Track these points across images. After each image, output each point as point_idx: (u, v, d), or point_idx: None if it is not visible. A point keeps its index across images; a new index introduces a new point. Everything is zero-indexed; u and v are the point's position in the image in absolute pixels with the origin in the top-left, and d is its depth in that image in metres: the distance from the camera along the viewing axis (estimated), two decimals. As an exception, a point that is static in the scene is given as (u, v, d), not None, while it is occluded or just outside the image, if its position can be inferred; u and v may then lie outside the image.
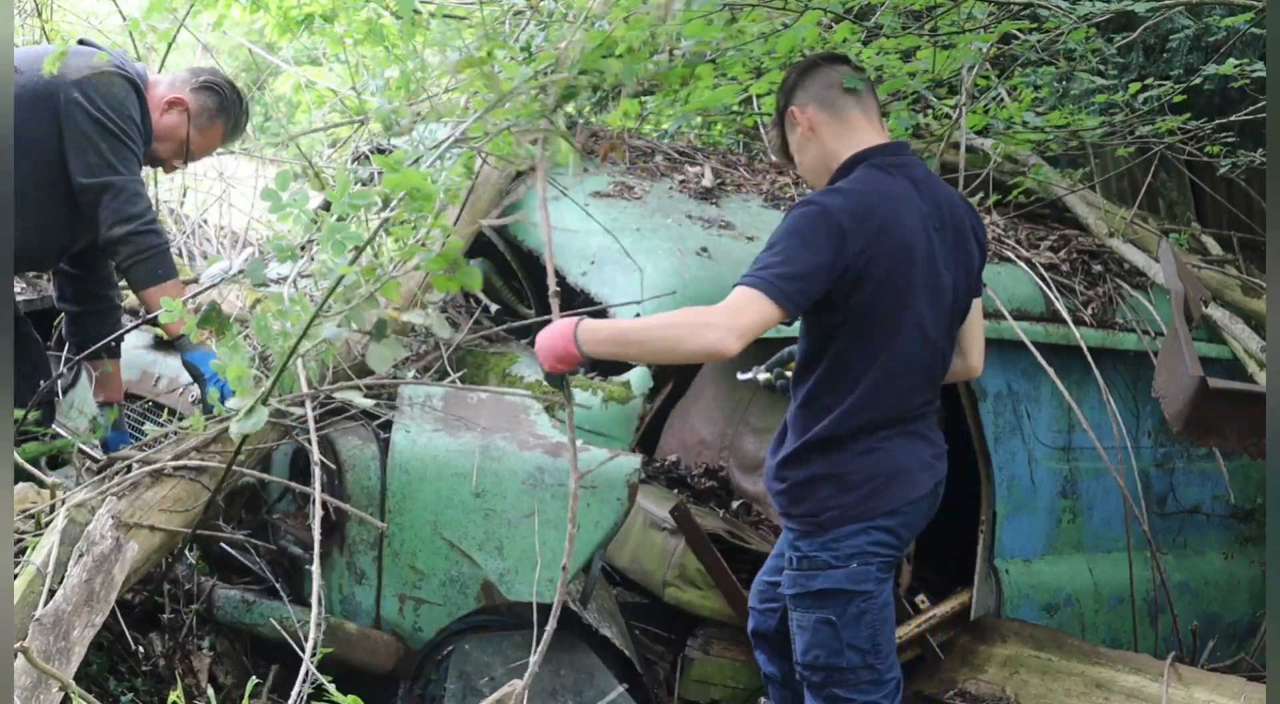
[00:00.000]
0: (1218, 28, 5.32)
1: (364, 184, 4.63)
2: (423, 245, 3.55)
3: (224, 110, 4.34)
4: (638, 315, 4.04)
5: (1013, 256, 5.15)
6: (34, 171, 4.03)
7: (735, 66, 4.33)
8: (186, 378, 4.39)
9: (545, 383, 3.47)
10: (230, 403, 3.55)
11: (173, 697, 3.25)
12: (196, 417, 3.74)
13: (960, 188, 5.29)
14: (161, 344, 4.85)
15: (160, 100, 4.27)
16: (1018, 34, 4.67)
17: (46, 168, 4.07)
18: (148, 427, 4.08)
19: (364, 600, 3.79)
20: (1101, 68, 5.33)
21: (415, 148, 4.34)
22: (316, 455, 3.52)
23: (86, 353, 4.34)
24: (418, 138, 5.00)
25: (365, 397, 3.80)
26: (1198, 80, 5.01)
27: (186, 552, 3.88)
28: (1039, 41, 4.50)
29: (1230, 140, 5.29)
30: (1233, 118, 5.22)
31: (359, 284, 3.65)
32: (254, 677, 3.50)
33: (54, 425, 4.37)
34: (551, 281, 3.38)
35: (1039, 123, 4.94)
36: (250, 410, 3.48)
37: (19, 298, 4.86)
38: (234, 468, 3.65)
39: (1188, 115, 5.27)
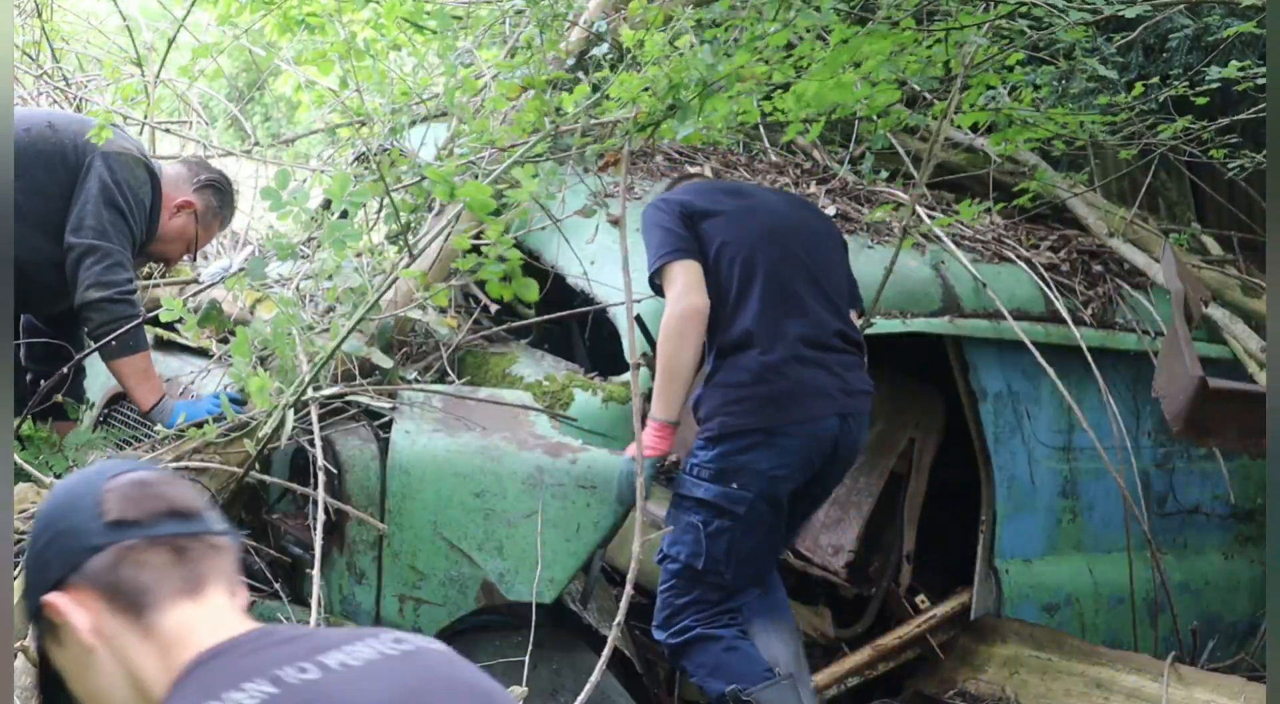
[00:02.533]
0: (1217, 27, 5.32)
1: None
2: (478, 253, 3.64)
3: (225, 205, 4.48)
4: (637, 316, 4.06)
5: (1013, 256, 5.15)
6: (34, 232, 4.05)
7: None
8: (186, 378, 4.40)
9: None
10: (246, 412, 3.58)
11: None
12: (210, 427, 3.72)
13: (953, 184, 5.29)
14: (161, 344, 4.85)
15: (170, 201, 4.35)
16: (1012, 32, 4.67)
17: (49, 230, 4.08)
18: (159, 428, 4.08)
19: (364, 601, 3.78)
20: (1103, 63, 5.32)
21: (447, 154, 4.44)
22: (320, 459, 3.52)
23: (87, 353, 4.34)
24: (419, 139, 5.00)
25: (373, 397, 3.82)
26: (1214, 85, 4.99)
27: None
28: (1035, 39, 4.49)
29: (1233, 142, 5.28)
30: (1234, 118, 5.21)
31: (365, 289, 3.67)
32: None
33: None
34: (632, 350, 3.89)
35: (1039, 118, 4.93)
36: (280, 422, 3.52)
37: None
38: (234, 468, 3.65)
39: (1190, 117, 5.26)
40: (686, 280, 3.88)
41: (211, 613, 1.63)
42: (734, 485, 3.86)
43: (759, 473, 3.85)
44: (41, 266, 4.07)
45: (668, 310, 3.86)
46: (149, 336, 4.84)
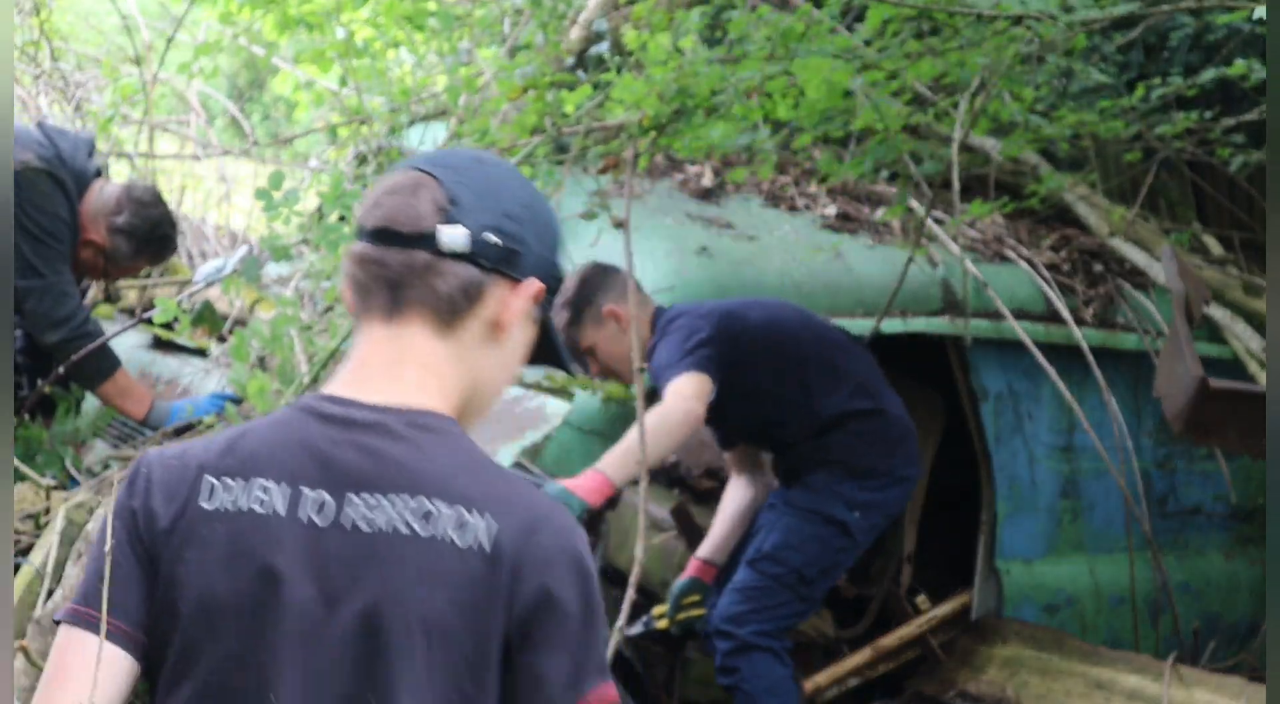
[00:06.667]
0: (1218, 26, 5.31)
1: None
2: None
3: (140, 253, 4.25)
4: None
5: (1013, 256, 5.14)
6: None
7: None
8: (186, 378, 4.39)
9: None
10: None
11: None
12: (213, 419, 3.72)
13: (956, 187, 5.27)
14: (160, 344, 4.84)
15: (84, 227, 4.15)
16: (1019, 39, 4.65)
17: None
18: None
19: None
20: (1104, 62, 5.31)
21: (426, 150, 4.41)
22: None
23: (87, 351, 4.32)
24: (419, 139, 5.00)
25: None
26: (1210, 74, 4.98)
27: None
28: (1036, 51, 4.49)
29: (1238, 141, 5.27)
30: (1237, 120, 5.20)
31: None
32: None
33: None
34: (636, 365, 3.87)
35: (1043, 123, 4.92)
36: None
37: None
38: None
39: (1190, 115, 5.25)
40: (702, 390, 3.89)
41: None
42: (857, 514, 4.14)
43: (882, 510, 4.18)
44: None
45: (681, 405, 3.81)
46: (147, 336, 4.84)
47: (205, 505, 1.57)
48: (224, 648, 1.54)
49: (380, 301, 1.62)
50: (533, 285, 1.65)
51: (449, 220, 1.60)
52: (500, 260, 1.62)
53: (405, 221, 1.60)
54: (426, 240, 1.60)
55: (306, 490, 1.55)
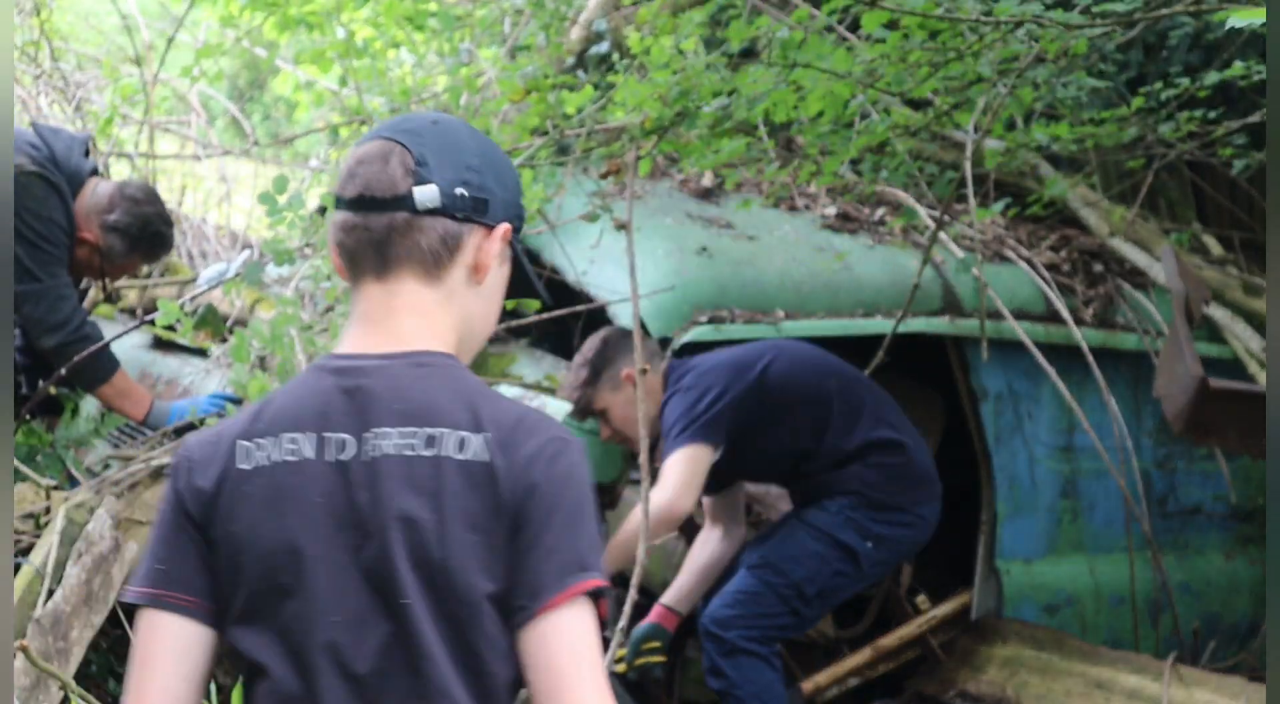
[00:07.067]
0: (1217, 25, 5.30)
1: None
2: None
3: (134, 250, 4.20)
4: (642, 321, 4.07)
5: (1013, 256, 5.14)
6: None
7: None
8: (186, 378, 4.39)
9: None
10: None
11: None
12: (212, 420, 3.73)
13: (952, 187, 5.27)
14: (160, 344, 4.85)
15: (80, 226, 4.13)
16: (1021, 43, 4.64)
17: None
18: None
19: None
20: (1103, 61, 5.30)
21: None
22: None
23: (85, 355, 4.32)
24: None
25: None
26: (1213, 79, 4.96)
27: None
28: (1041, 52, 4.47)
29: (1240, 142, 5.26)
30: (1240, 122, 5.19)
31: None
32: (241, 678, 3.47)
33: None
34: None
35: (1045, 136, 4.92)
36: None
37: None
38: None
39: (1196, 114, 5.23)
40: (698, 469, 3.95)
41: None
42: (870, 545, 4.14)
43: (896, 546, 4.22)
44: None
45: (666, 500, 3.88)
46: (147, 337, 4.84)
47: (243, 467, 1.75)
48: (281, 585, 1.72)
49: (370, 262, 1.80)
50: (502, 228, 1.83)
51: (420, 181, 1.78)
52: (472, 210, 1.81)
53: (381, 187, 1.79)
54: (403, 201, 1.78)
55: (329, 435, 1.74)
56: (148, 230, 4.18)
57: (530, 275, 1.93)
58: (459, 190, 1.80)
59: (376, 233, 1.79)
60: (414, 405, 1.74)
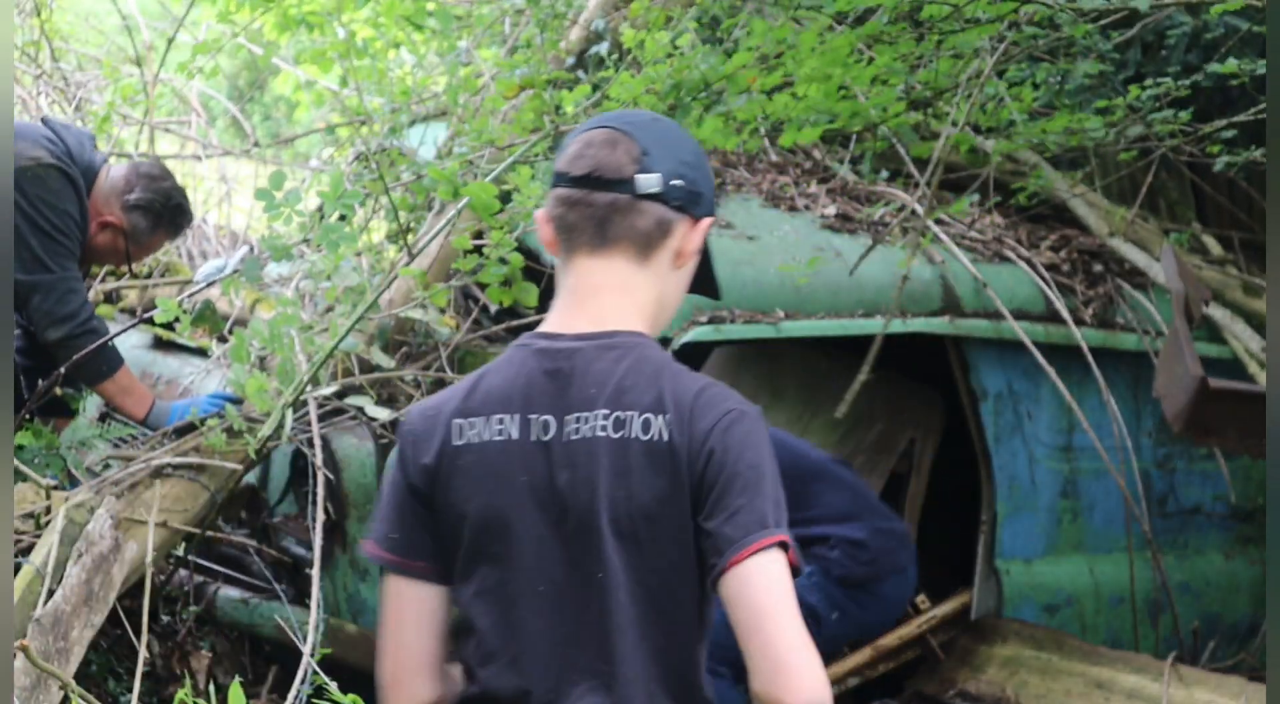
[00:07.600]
0: (1215, 23, 5.29)
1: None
2: (479, 254, 3.63)
3: (159, 225, 4.25)
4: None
5: (1013, 256, 5.14)
6: None
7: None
8: (186, 378, 4.39)
9: None
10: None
11: (180, 695, 3.24)
12: (219, 438, 3.70)
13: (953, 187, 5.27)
14: (161, 344, 4.85)
15: (97, 214, 4.15)
16: (1018, 26, 4.65)
17: None
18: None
19: (369, 597, 3.78)
20: (1101, 60, 5.30)
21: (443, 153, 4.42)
22: (320, 461, 3.52)
23: (90, 349, 4.32)
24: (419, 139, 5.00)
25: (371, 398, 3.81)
26: (1200, 77, 4.96)
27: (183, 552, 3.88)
28: (1041, 37, 4.48)
29: (1227, 136, 5.25)
30: (1236, 119, 5.19)
31: (364, 288, 3.67)
32: (238, 678, 3.47)
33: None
34: None
35: (1034, 129, 4.92)
36: (280, 421, 3.52)
37: None
38: (235, 468, 3.65)
39: (1191, 109, 5.23)
40: None
41: None
42: (835, 616, 4.23)
43: (859, 624, 4.34)
44: None
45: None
46: (148, 336, 4.84)
47: (457, 443, 1.97)
48: (494, 553, 1.95)
49: (587, 237, 2.00)
50: (707, 221, 2.03)
51: (643, 169, 1.97)
52: (686, 201, 2.00)
53: (609, 169, 1.98)
54: (626, 185, 1.97)
55: (533, 416, 1.95)
56: (170, 203, 4.25)
57: (713, 270, 2.10)
58: (675, 181, 1.98)
59: (599, 209, 1.97)
60: (607, 389, 1.94)
